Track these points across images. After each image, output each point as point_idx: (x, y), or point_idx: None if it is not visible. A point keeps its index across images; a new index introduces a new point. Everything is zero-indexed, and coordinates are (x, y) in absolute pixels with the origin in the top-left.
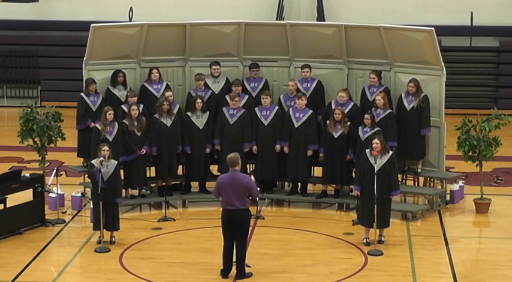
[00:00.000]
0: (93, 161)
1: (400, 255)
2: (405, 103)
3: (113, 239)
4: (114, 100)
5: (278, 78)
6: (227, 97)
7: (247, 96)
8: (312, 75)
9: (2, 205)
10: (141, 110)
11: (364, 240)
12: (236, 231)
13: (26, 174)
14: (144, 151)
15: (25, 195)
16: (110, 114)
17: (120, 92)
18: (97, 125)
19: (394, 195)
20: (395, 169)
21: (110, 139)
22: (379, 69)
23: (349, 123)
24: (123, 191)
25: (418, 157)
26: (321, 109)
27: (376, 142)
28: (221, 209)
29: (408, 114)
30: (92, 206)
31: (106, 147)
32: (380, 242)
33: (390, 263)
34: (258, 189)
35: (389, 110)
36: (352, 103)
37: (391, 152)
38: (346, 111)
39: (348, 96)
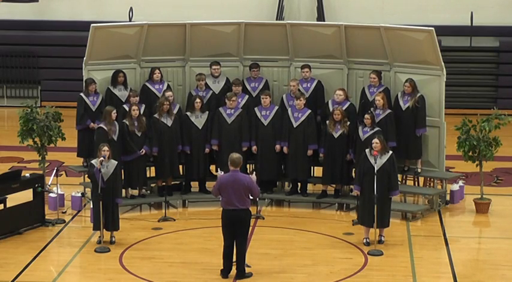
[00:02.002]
0: (93, 161)
1: (400, 255)
2: (401, 103)
3: (113, 239)
4: (115, 100)
5: (278, 78)
6: (225, 97)
7: (247, 96)
8: (312, 75)
9: (2, 205)
10: (142, 110)
11: (364, 240)
12: (236, 231)
13: (26, 174)
14: (144, 151)
15: (25, 195)
16: (114, 113)
17: (120, 92)
18: (102, 125)
19: (394, 195)
20: (395, 169)
21: (115, 139)
22: (379, 69)
23: (348, 123)
24: (123, 191)
25: (414, 157)
26: (321, 109)
27: (375, 142)
28: (221, 208)
29: (404, 114)
30: (91, 206)
31: (106, 148)
32: (380, 242)
33: (390, 263)
34: (258, 189)
35: (389, 110)
36: (348, 102)
37: (390, 152)
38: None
39: (344, 95)
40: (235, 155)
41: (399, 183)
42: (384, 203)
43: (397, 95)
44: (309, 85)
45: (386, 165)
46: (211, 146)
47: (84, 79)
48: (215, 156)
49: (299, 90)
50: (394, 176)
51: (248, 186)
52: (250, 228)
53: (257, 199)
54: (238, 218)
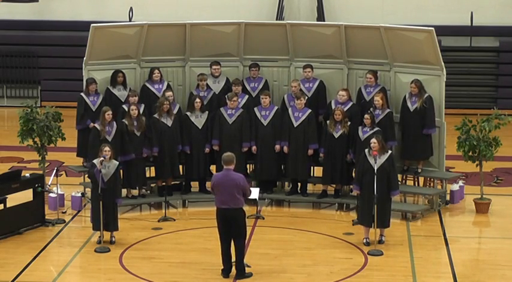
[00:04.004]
0: (94, 161)
1: (400, 255)
2: (409, 104)
3: (113, 239)
4: (114, 100)
5: (278, 78)
6: (226, 97)
7: (247, 96)
8: (313, 75)
9: (2, 205)
10: (141, 110)
11: (364, 240)
12: (232, 230)
13: (26, 174)
14: (146, 155)
15: (25, 195)
16: (108, 115)
17: (120, 92)
18: (96, 125)
19: (394, 195)
20: (394, 169)
21: (109, 139)
22: (379, 69)
23: (349, 123)
24: (123, 190)
25: (423, 157)
26: (323, 109)
27: (373, 142)
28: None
29: (412, 115)
30: (91, 206)
31: (107, 148)
32: (380, 242)
33: (390, 263)
34: (258, 189)
35: (388, 110)
36: (351, 103)
37: (390, 152)
38: (345, 110)
39: (348, 95)
40: (226, 154)
41: (399, 183)
42: (384, 203)
43: (405, 96)
44: (311, 85)
45: (385, 165)
46: (211, 146)
47: (84, 79)
48: (216, 156)
49: (300, 90)
50: (394, 175)
51: (241, 185)
52: (250, 228)
53: (257, 199)
54: (232, 217)
